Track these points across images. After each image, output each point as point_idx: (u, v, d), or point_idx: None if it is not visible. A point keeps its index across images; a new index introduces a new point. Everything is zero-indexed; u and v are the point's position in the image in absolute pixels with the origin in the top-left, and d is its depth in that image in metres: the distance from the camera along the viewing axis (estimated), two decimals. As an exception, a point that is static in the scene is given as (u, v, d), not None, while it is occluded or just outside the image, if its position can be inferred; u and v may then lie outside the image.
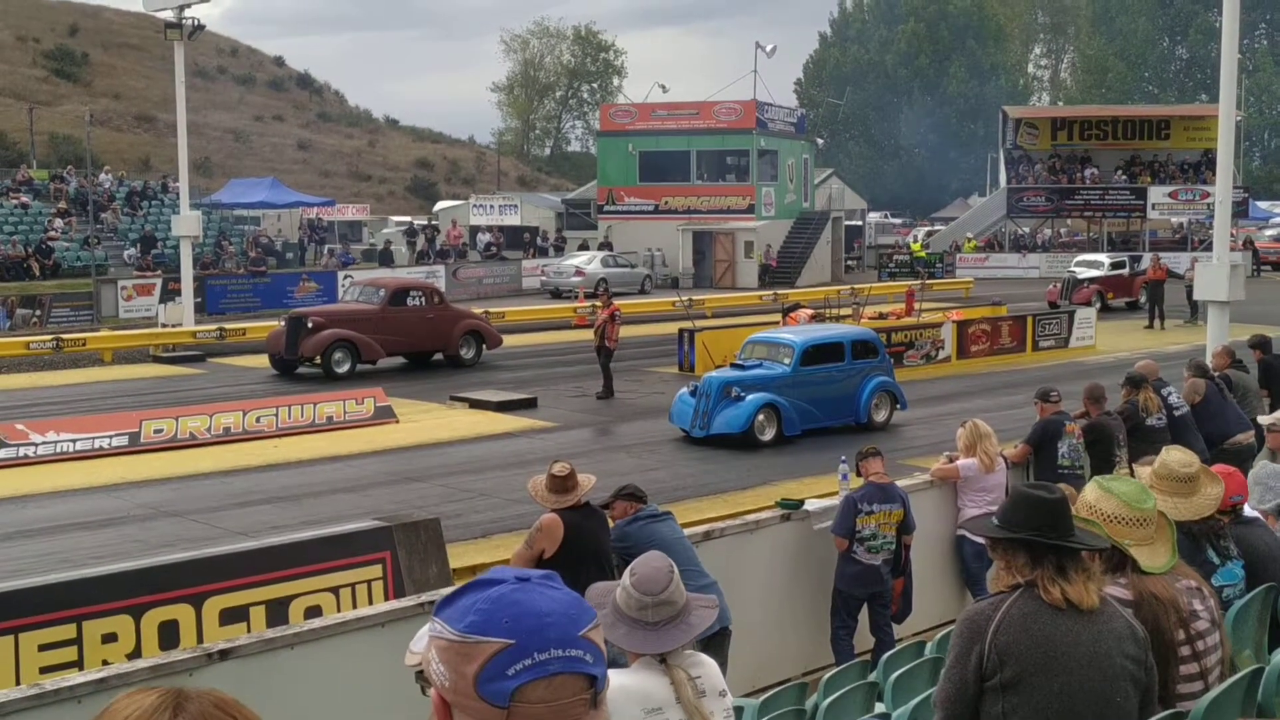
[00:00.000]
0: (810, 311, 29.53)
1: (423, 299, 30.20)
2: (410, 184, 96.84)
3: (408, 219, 71.28)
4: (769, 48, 61.69)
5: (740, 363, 21.48)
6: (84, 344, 32.50)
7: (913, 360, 28.64)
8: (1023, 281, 55.29)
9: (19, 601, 9.41)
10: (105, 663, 8.82)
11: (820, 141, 76.50)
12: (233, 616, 9.99)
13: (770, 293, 46.27)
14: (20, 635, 9.18)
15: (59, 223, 47.67)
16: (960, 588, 11.67)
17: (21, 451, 19.25)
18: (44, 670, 9.01)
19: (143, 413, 21.62)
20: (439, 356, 30.18)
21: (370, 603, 10.27)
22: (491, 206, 63.94)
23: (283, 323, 29.35)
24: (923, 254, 61.60)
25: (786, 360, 21.03)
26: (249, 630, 9.63)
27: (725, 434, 20.15)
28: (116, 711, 1.59)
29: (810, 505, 10.97)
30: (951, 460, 11.77)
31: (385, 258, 52.99)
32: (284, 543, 11.05)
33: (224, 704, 1.61)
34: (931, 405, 23.98)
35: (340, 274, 47.47)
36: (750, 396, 20.35)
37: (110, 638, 9.48)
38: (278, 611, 10.14)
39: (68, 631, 9.38)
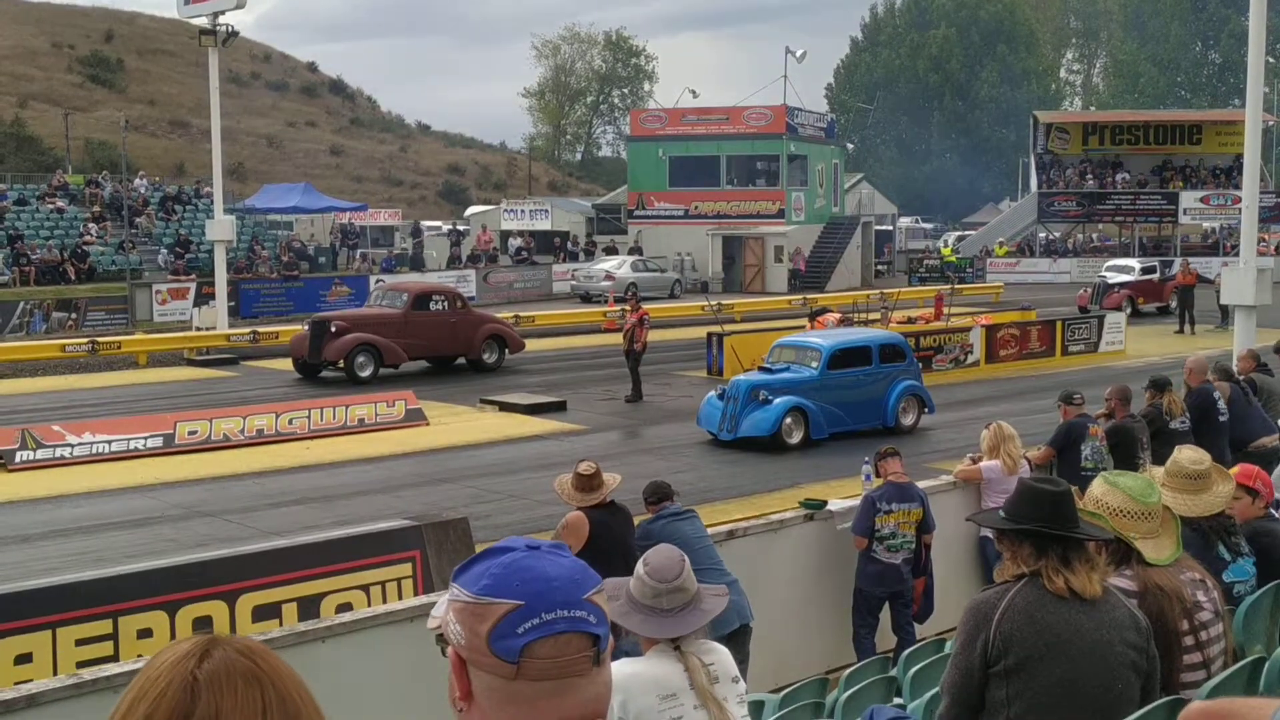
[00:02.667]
0: (838, 315, 29.59)
1: (445, 303, 30.23)
2: (442, 189, 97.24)
3: (438, 223, 71.60)
4: (799, 53, 61.75)
5: (768, 366, 21.58)
6: (119, 347, 32.84)
7: (941, 365, 28.69)
8: (1053, 286, 55.18)
9: (56, 597, 9.60)
10: (140, 656, 9.00)
11: (850, 146, 76.56)
12: (266, 613, 10.16)
13: (799, 297, 46.32)
14: (57, 630, 9.38)
15: (94, 227, 48.10)
16: (982, 588, 11.74)
17: (58, 452, 19.52)
18: (80, 665, 9.18)
19: (177, 415, 21.86)
20: (461, 361, 30.31)
21: (400, 600, 10.43)
22: (522, 211, 64.21)
23: (306, 326, 29.54)
24: (953, 259, 61.54)
25: (814, 364, 21.14)
26: (281, 626, 9.80)
27: (753, 437, 20.26)
28: (157, 658, 1.74)
29: (833, 505, 11.09)
30: (975, 461, 11.86)
31: (416, 262, 53.27)
32: (316, 541, 11.23)
33: (250, 651, 1.75)
34: (959, 409, 24.02)
35: (372, 279, 47.78)
36: (778, 400, 20.47)
37: (145, 633, 9.66)
38: (309, 609, 10.30)
39: (104, 627, 9.56)
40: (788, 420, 20.40)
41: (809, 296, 45.71)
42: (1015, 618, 4.24)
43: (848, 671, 7.45)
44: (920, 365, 24.12)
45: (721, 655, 4.47)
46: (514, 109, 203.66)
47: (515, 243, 59.50)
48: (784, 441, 20.31)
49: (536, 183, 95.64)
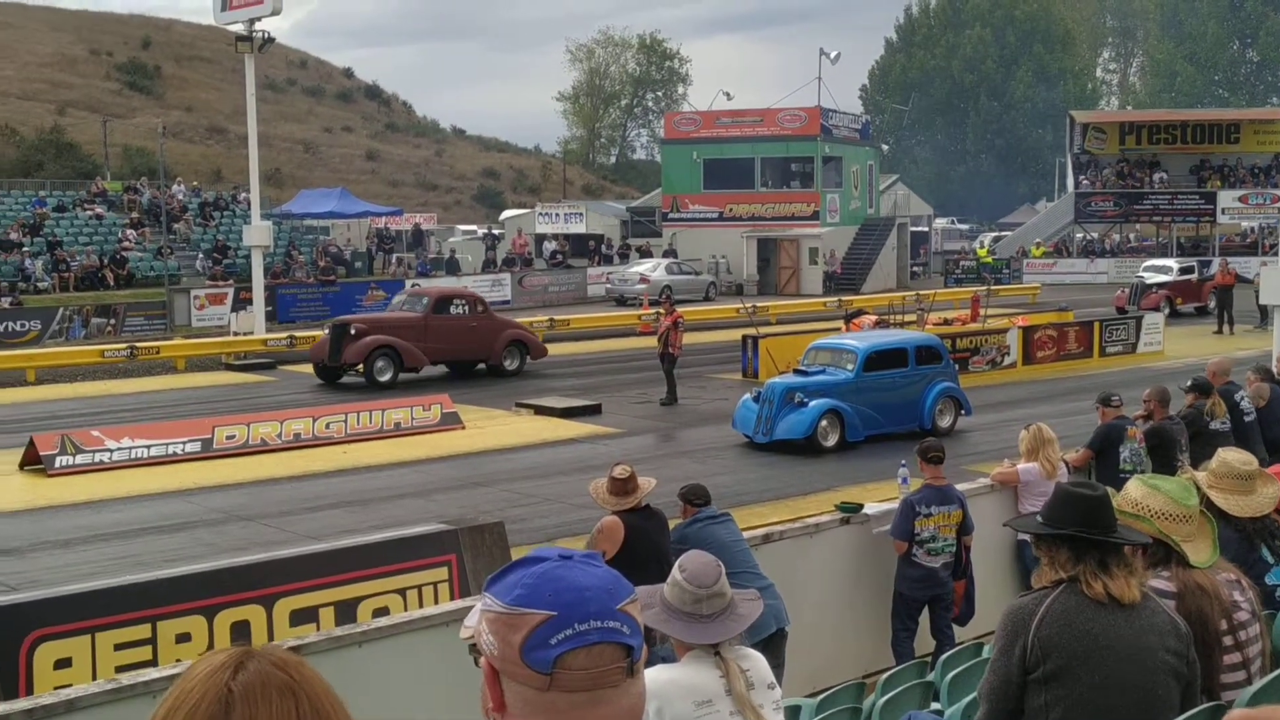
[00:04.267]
0: (874, 318, 29.52)
1: (466, 308, 30.09)
2: (477, 193, 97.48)
3: (473, 227, 71.78)
4: (833, 54, 61.65)
5: (803, 369, 21.53)
6: (157, 352, 33.07)
7: (978, 366, 28.56)
8: (1090, 287, 54.88)
9: (95, 602, 9.66)
10: (179, 661, 9.05)
11: (885, 147, 76.29)
12: (303, 617, 10.19)
13: (835, 299, 46.23)
14: (96, 635, 9.43)
15: (132, 233, 48.50)
16: (1021, 591, 11.67)
17: (97, 457, 19.65)
18: (119, 669, 9.23)
19: (215, 419, 21.98)
20: (483, 366, 30.19)
21: (436, 604, 10.45)
22: (557, 215, 64.33)
23: (327, 330, 29.44)
24: (989, 260, 61.28)
25: (849, 366, 21.08)
26: (319, 631, 9.84)
27: (788, 439, 20.22)
28: (192, 669, 1.75)
29: (869, 509, 11.04)
30: (1013, 465, 11.79)
31: (452, 266, 53.43)
32: (353, 545, 11.27)
33: (285, 663, 1.75)
34: (996, 411, 23.91)
35: (408, 283, 47.97)
36: (813, 402, 20.41)
37: (184, 637, 9.71)
38: (347, 612, 10.33)
39: (143, 631, 9.61)
40: (823, 423, 20.33)
41: (844, 298, 45.62)
42: (1054, 623, 4.21)
43: (885, 676, 7.43)
44: (957, 367, 23.97)
45: (757, 661, 4.46)
46: (548, 113, 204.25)
47: (550, 246, 59.65)
48: (820, 444, 20.24)
49: (571, 186, 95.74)
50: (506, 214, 72.93)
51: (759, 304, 38.58)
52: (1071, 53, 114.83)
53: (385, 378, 27.94)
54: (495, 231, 64.83)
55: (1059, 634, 4.19)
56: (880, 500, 11.92)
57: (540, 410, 24.55)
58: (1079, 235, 65.92)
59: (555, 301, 49.83)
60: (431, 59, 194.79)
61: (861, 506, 11.14)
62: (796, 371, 21.66)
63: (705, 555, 4.65)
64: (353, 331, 28.26)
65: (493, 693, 1.88)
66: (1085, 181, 66.46)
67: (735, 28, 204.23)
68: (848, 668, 10.10)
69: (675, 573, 4.49)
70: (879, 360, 21.31)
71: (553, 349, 35.67)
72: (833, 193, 59.02)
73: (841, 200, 59.45)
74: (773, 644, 8.10)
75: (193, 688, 1.70)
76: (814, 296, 50.81)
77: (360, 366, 28.02)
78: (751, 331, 29.59)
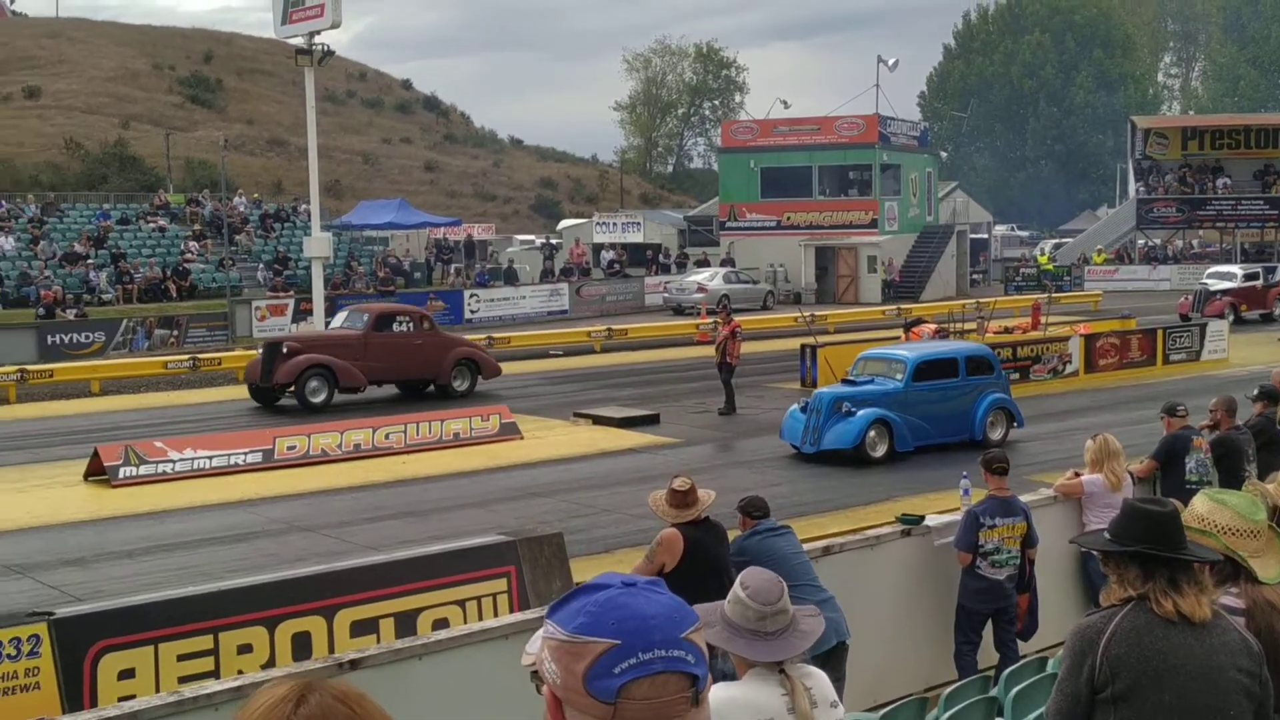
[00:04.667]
0: (933, 326, 29.33)
1: (410, 325, 28.61)
2: (534, 203, 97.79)
3: (531, 237, 71.99)
4: (891, 61, 61.42)
5: (852, 378, 21.39)
6: (219, 363, 33.37)
7: (1039, 374, 28.31)
8: (1153, 294, 54.27)
9: (158, 613, 9.74)
10: (240, 672, 9.10)
11: (944, 154, 75.87)
12: (363, 628, 10.23)
13: (894, 307, 46.00)
14: (160, 646, 9.50)
15: (195, 245, 49.03)
16: (1085, 604, 11.52)
17: (160, 468, 19.84)
18: (182, 680, 9.30)
19: (276, 430, 22.13)
20: (433, 388, 28.68)
21: (495, 615, 10.45)
22: (614, 224, 64.44)
23: (261, 349, 28.04)
24: (1050, 267, 60.77)
25: (899, 376, 20.90)
26: (379, 642, 9.86)
27: (836, 450, 20.10)
28: (253, 701, 1.73)
29: (931, 521, 10.95)
30: (1077, 475, 11.64)
31: (510, 276, 53.61)
32: (413, 556, 11.29)
33: (346, 697, 1.73)
34: (1058, 420, 23.69)
35: (466, 293, 48.15)
36: (861, 412, 20.25)
37: (246, 648, 9.77)
38: (406, 623, 10.36)
39: (205, 642, 9.67)
40: (871, 433, 20.16)
41: (903, 307, 45.36)
42: (1122, 642, 4.14)
43: (947, 691, 7.35)
44: (1008, 377, 23.68)
45: (820, 680, 4.41)
46: (605, 122, 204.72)
47: (607, 255, 59.74)
48: (868, 454, 20.08)
49: (628, 195, 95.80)
50: (564, 224, 73.14)
51: (817, 313, 38.48)
52: (1132, 57, 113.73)
53: (319, 399, 26.59)
54: (553, 241, 65.00)
55: (1128, 653, 4.12)
56: (941, 511, 11.82)
57: (598, 420, 24.56)
58: (1141, 242, 65.24)
59: (613, 311, 49.88)
60: (489, 70, 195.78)
61: (923, 518, 11.04)
62: (845, 381, 21.55)
63: (766, 571, 4.61)
64: (284, 350, 26.95)
65: None
66: (1147, 187, 65.77)
67: (792, 36, 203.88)
68: (909, 681, 10.01)
69: (737, 590, 4.45)
70: (929, 370, 21.11)
71: (610, 359, 35.80)
72: (891, 200, 58.76)
73: (900, 208, 59.17)
74: (833, 657, 8.04)
75: (253, 717, 1.68)
76: (872, 305, 50.61)
77: (293, 387, 26.69)
78: (810, 340, 29.49)
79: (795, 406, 21.43)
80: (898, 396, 20.60)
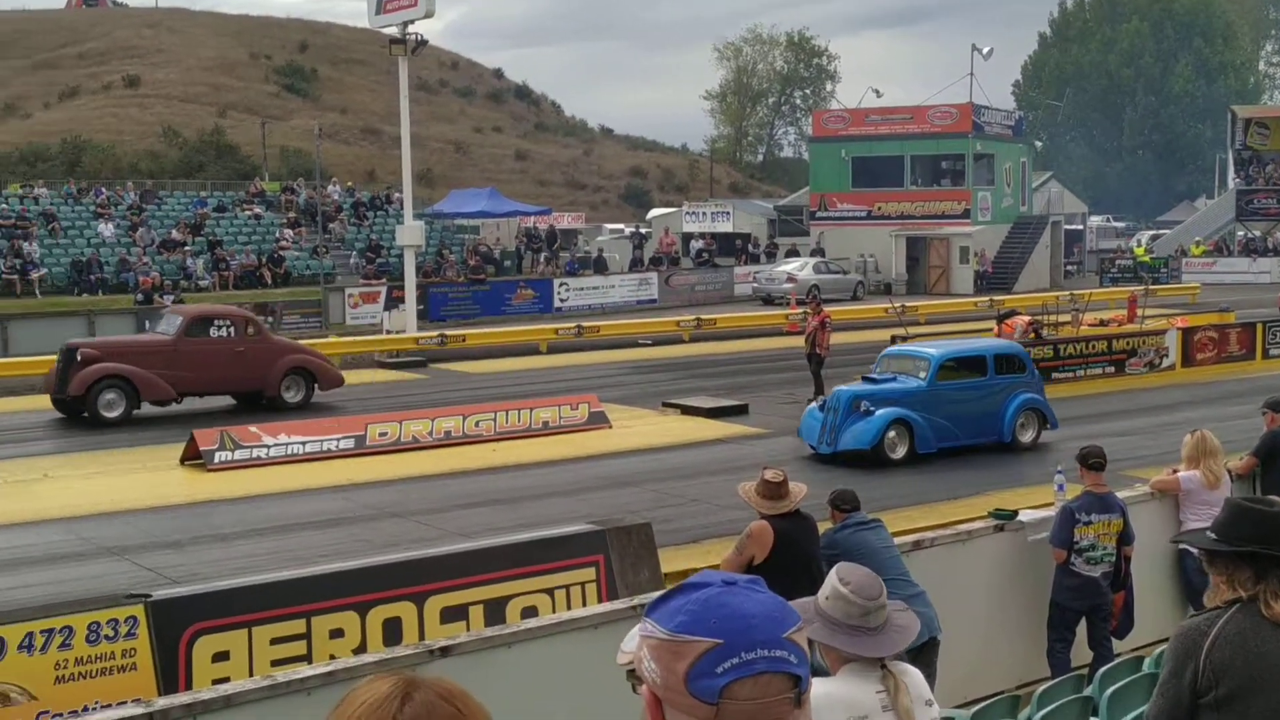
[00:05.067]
0: (1027, 318, 28.95)
1: (232, 330, 25.58)
2: (624, 192, 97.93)
3: (621, 226, 72.11)
4: (985, 50, 60.72)
5: (872, 376, 20.55)
6: (313, 350, 33.72)
7: (1135, 368, 27.85)
8: (1252, 287, 53.20)
9: (252, 597, 9.87)
10: (332, 657, 9.20)
11: (1039, 144, 74.91)
12: (453, 615, 10.29)
13: (986, 299, 45.50)
14: (253, 629, 9.63)
15: (289, 233, 49.65)
16: (1181, 602, 11.33)
17: (254, 453, 20.11)
18: (275, 663, 9.42)
19: (368, 416, 22.33)
20: (295, 398, 25.94)
21: (584, 604, 10.47)
22: (704, 213, 64.34)
23: (59, 355, 25.13)
24: (1147, 259, 59.83)
25: (922, 374, 19.98)
26: (468, 629, 9.92)
27: (853, 450, 19.25)
28: (354, 697, 1.71)
29: (1025, 516, 10.81)
30: (1175, 472, 11.44)
31: (600, 265, 53.72)
32: (502, 544, 11.34)
33: (451, 695, 1.71)
34: (1155, 415, 23.30)
35: (556, 281, 48.33)
36: (880, 411, 19.33)
37: (337, 633, 9.87)
38: (495, 611, 10.41)
39: (298, 626, 9.79)
40: (891, 433, 19.26)
41: (996, 298, 44.86)
42: (1227, 646, 4.04)
43: (1041, 689, 7.25)
44: (1042, 377, 22.42)
45: (915, 677, 4.36)
46: (696, 111, 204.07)
47: (697, 245, 59.68)
48: (886, 456, 19.14)
49: (718, 185, 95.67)
50: (653, 213, 73.14)
51: (908, 304, 38.10)
52: (1233, 46, 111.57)
53: (115, 414, 23.81)
54: (642, 230, 65.06)
55: (1232, 657, 4.02)
56: (1033, 506, 11.68)
57: (687, 410, 24.52)
58: (1240, 233, 64.02)
59: (702, 300, 49.79)
60: (580, 59, 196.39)
61: (1016, 513, 10.91)
62: (865, 379, 20.56)
63: (861, 567, 4.57)
64: (79, 358, 24.17)
65: None
66: (1247, 178, 64.49)
67: (884, 24, 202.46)
68: (1000, 678, 9.90)
69: (837, 585, 4.40)
70: (954, 368, 20.23)
71: (699, 348, 35.73)
72: (984, 190, 58.12)
73: (993, 198, 58.51)
74: (924, 653, 7.96)
75: (357, 715, 1.67)
76: (964, 296, 50.09)
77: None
78: (900, 332, 29.19)
79: (814, 405, 20.71)
80: (920, 395, 19.67)
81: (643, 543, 11.62)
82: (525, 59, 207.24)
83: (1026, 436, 20.48)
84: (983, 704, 7.12)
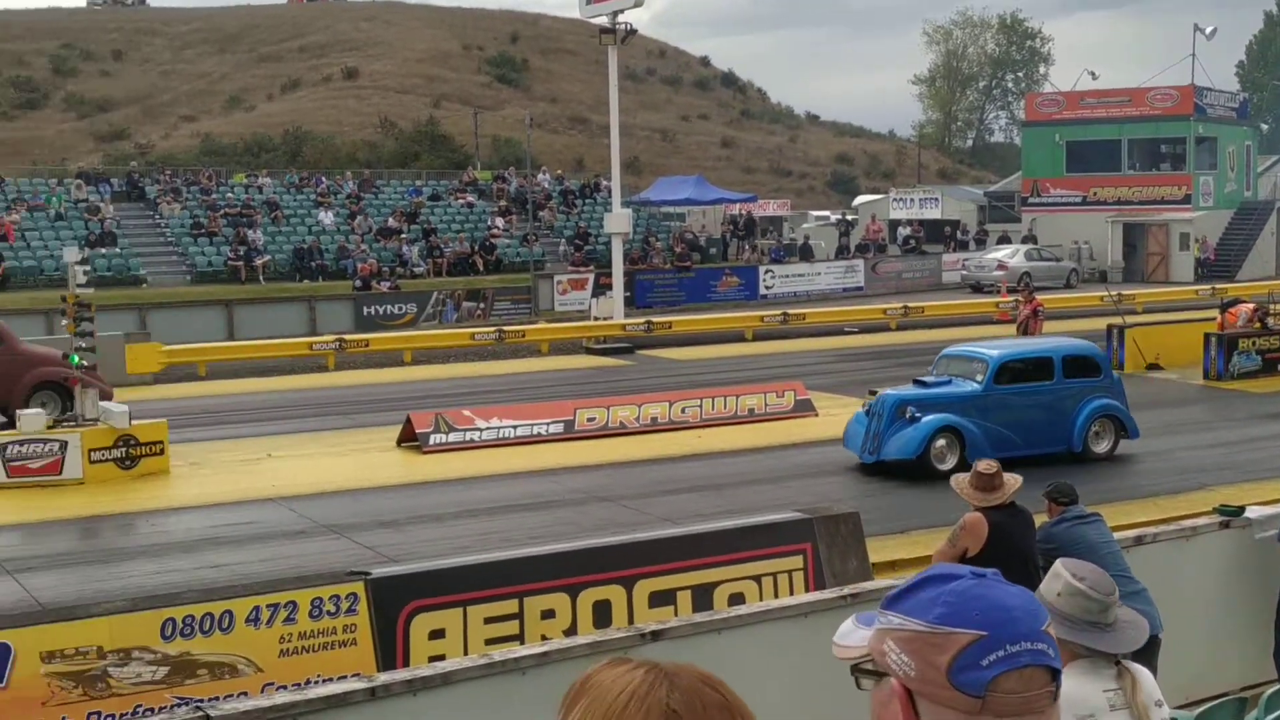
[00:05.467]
0: (1251, 306, 27.86)
1: None
2: (830, 179, 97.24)
3: (826, 213, 71.63)
4: (1208, 30, 58.47)
5: (923, 379, 19.29)
6: (523, 335, 34.40)
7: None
8: None
9: (468, 576, 10.11)
10: (544, 637, 9.37)
11: (1265, 127, 71.89)
12: (661, 599, 10.39)
13: (1208, 287, 43.93)
14: (468, 608, 9.87)
15: (500, 221, 50.57)
16: None
17: (468, 436, 20.59)
18: (488, 642, 9.64)
19: (576, 402, 22.64)
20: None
21: (790, 593, 10.47)
22: (911, 200, 63.41)
23: None
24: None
25: (979, 377, 18.57)
26: (675, 613, 10.00)
27: (897, 460, 18.04)
28: (607, 686, 1.66)
29: (1252, 513, 10.42)
30: None
31: (806, 252, 53.46)
32: (711, 530, 11.40)
33: (711, 681, 1.70)
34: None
35: (761, 269, 48.24)
36: (927, 417, 18.02)
37: (549, 614, 10.05)
38: (703, 597, 10.48)
39: (510, 606, 10.00)
40: (940, 442, 17.90)
41: (1218, 286, 43.25)
42: None
43: (1268, 692, 6.98)
44: (1122, 380, 20.45)
45: (1147, 676, 4.26)
46: (903, 97, 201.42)
47: (904, 232, 58.92)
48: (933, 467, 17.60)
49: (926, 171, 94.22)
50: (860, 199, 72.43)
51: (1124, 292, 37.05)
52: None
53: None
54: (848, 217, 64.48)
55: None
56: (1264, 503, 11.26)
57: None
58: None
59: (909, 289, 49.12)
60: (786, 45, 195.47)
61: (1243, 509, 10.53)
62: (916, 382, 19.31)
63: (1087, 562, 4.47)
64: None
65: (905, 714, 1.79)
66: None
67: (1099, 4, 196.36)
68: (1224, 679, 9.58)
69: (1072, 581, 4.31)
70: (1016, 371, 18.80)
71: (906, 336, 35.23)
72: (1206, 175, 56.06)
73: (1216, 183, 56.40)
74: (1146, 652, 7.71)
75: (622, 703, 1.62)
76: (1184, 284, 48.42)
77: None
78: (1117, 320, 28.40)
79: (860, 410, 19.33)
80: (975, 400, 18.29)
81: (851, 532, 11.56)
82: (731, 46, 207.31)
83: (1100, 446, 18.89)
84: (1207, 705, 6.90)
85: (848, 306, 41.62)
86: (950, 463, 17.49)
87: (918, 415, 18.05)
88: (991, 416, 18.23)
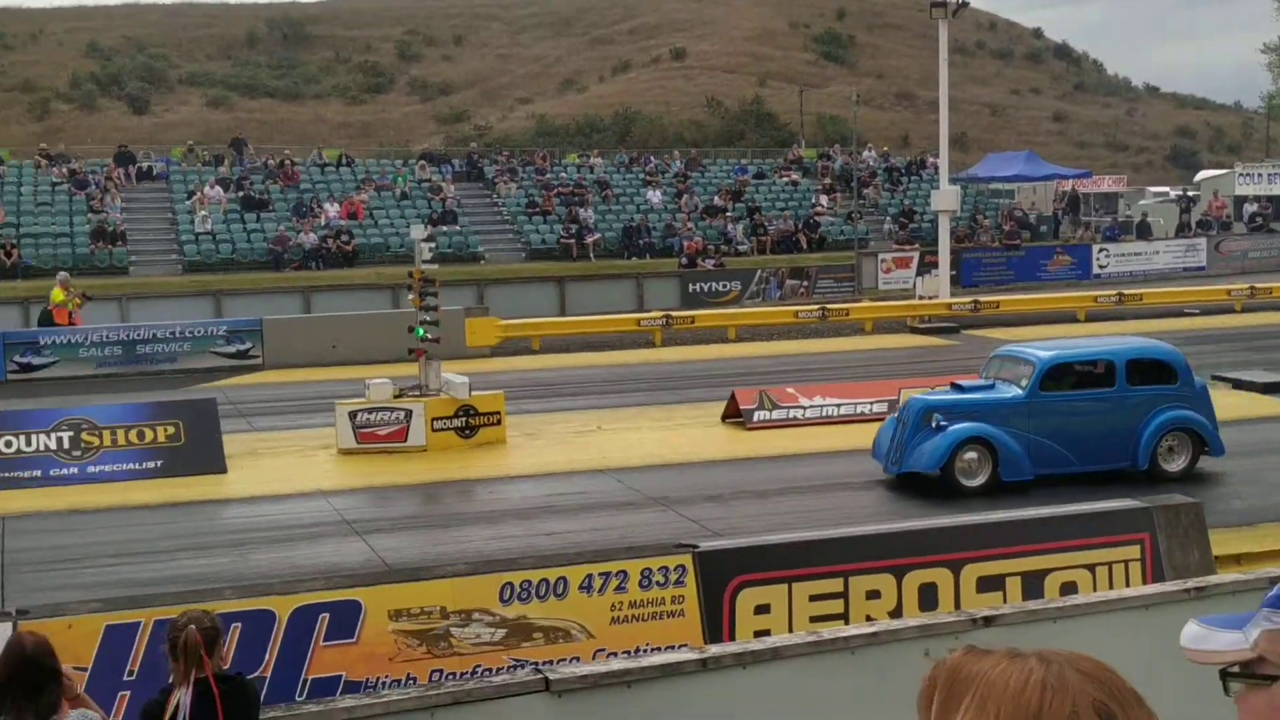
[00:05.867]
0: None
1: None
2: (1169, 153, 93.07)
3: (1165, 189, 68.60)
4: None
5: (960, 383, 17.45)
6: (846, 314, 34.23)
7: None
8: None
9: (793, 553, 10.19)
10: (869, 618, 9.36)
11: None
12: (989, 585, 10.23)
13: None
14: (793, 584, 9.96)
15: (824, 199, 50.40)
16: None
17: (790, 413, 20.68)
18: (813, 619, 9.70)
19: (900, 381, 22.37)
20: None
21: (1126, 584, 10.14)
22: (1259, 175, 59.95)
23: None
24: None
25: (1024, 382, 16.50)
26: (1004, 600, 9.83)
27: (917, 472, 16.33)
28: (988, 678, 1.57)
29: None
30: None
31: (1143, 230, 51.34)
32: (1042, 516, 11.15)
33: (1105, 666, 1.60)
34: None
35: (1095, 248, 46.59)
36: (953, 427, 16.12)
37: (874, 594, 10.03)
38: (1033, 584, 10.26)
39: (835, 585, 10.03)
40: (970, 454, 16.05)
41: None
42: None
43: None
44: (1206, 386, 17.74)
45: None
46: (1251, 65, 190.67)
47: (1250, 209, 55.82)
48: (957, 482, 15.95)
49: (1275, 144, 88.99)
50: (1202, 175, 69.04)
51: None
52: None
53: None
54: (1189, 193, 61.52)
55: None
56: None
57: (1239, 384, 23.04)
58: None
59: (1255, 269, 46.51)
60: (1123, 14, 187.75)
61: None
62: (954, 386, 17.45)
63: None
64: None
65: None
66: None
67: None
68: None
69: None
70: (1067, 376, 16.75)
71: (1253, 319, 33.39)
72: None
73: None
74: None
75: (1035, 697, 1.53)
76: None
77: None
78: None
79: (893, 415, 17.57)
80: (1015, 408, 16.28)
81: (1192, 523, 11.12)
82: (1066, 17, 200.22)
83: (1174, 465, 16.56)
84: None
85: (1188, 287, 39.76)
86: (979, 479, 16.03)
87: (944, 423, 16.22)
88: (1036, 427, 16.26)
